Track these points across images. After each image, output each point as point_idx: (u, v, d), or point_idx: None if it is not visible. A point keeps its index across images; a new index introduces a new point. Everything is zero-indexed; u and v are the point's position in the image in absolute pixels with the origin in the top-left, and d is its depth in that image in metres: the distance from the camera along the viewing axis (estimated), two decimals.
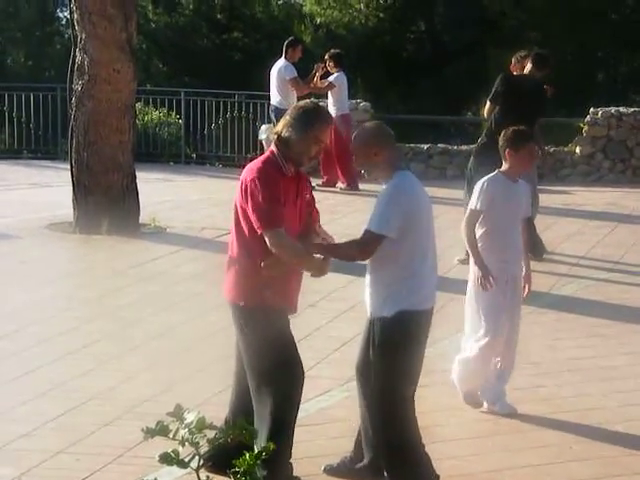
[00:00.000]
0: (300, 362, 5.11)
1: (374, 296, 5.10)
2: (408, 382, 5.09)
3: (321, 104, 15.94)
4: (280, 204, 4.93)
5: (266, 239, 4.91)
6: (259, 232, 4.92)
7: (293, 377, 5.05)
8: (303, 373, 5.12)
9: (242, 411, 5.10)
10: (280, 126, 5.08)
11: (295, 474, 5.14)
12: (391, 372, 5.02)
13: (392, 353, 5.01)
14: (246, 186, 4.97)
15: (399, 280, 5.01)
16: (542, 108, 10.57)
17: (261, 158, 5.10)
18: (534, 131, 10.73)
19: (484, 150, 10.54)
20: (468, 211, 6.47)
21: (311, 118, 5.01)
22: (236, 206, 5.04)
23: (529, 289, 6.55)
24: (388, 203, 5.00)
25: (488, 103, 10.48)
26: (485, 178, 6.48)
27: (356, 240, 5.06)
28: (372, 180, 5.20)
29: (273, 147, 5.08)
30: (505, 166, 6.50)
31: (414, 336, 5.05)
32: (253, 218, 4.93)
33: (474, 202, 6.39)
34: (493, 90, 10.43)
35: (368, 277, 5.14)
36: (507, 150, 6.47)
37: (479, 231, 6.38)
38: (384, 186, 5.06)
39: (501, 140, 6.56)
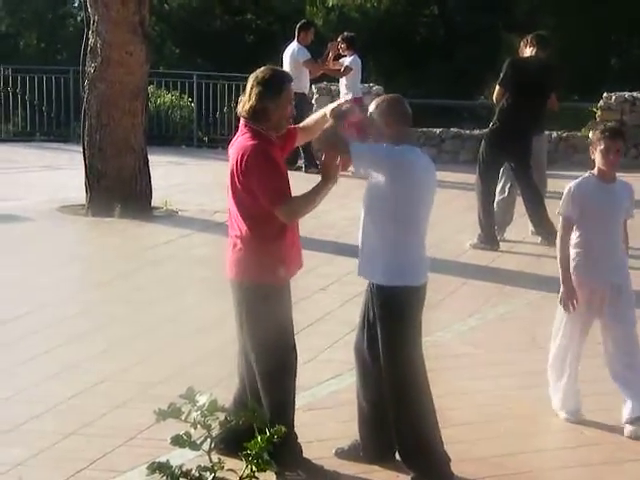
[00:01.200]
0: (294, 345, 5.14)
1: (370, 263, 5.10)
2: (412, 345, 5.07)
3: (333, 87, 15.67)
4: (283, 176, 4.98)
5: (280, 216, 4.93)
6: (272, 208, 4.92)
7: (286, 360, 5.08)
8: (296, 356, 5.14)
9: (245, 392, 5.13)
10: (251, 100, 5.01)
11: (306, 457, 5.15)
12: (392, 349, 5.03)
13: (391, 327, 5.03)
14: (244, 164, 4.93)
15: (393, 252, 5.01)
16: (551, 86, 10.54)
17: (247, 135, 5.02)
18: (547, 109, 10.73)
19: (496, 135, 10.52)
20: (560, 221, 6.00)
21: (279, 82, 5.04)
22: (235, 185, 5.00)
23: None
24: (379, 146, 5.02)
25: (498, 88, 10.44)
26: (573, 182, 5.98)
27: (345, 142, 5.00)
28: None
29: (245, 122, 5.03)
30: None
31: (405, 311, 5.06)
32: (261, 196, 4.93)
33: (562, 209, 5.92)
34: (502, 75, 10.39)
35: (367, 242, 5.13)
36: (590, 149, 5.98)
37: (573, 239, 5.93)
38: None
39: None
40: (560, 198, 6.15)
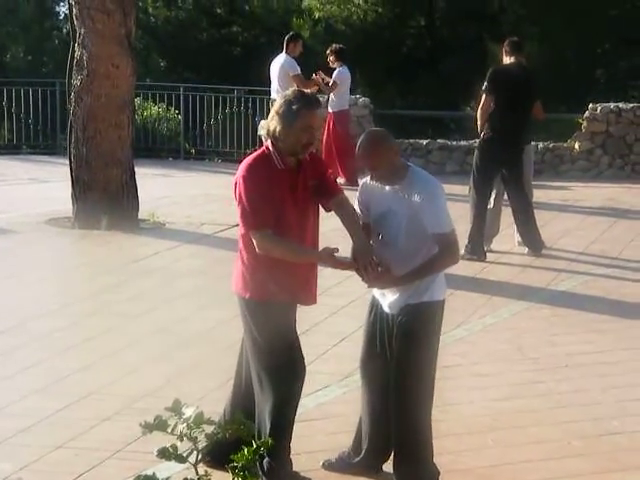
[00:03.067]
0: (302, 359, 5.12)
1: (405, 288, 5.06)
2: (432, 371, 5.11)
3: (320, 99, 15.80)
4: (267, 204, 4.88)
5: (255, 240, 4.91)
6: (243, 230, 4.93)
7: (293, 374, 5.06)
8: (304, 370, 5.13)
9: (240, 405, 5.12)
10: (268, 120, 5.04)
11: (294, 469, 5.15)
12: (420, 362, 5.03)
13: (420, 341, 5.03)
14: (237, 179, 4.98)
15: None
16: (535, 92, 10.60)
17: (254, 154, 5.07)
18: (534, 118, 10.77)
19: (487, 144, 10.53)
20: None
21: (295, 108, 4.93)
22: (235, 198, 5.04)
23: None
24: (441, 199, 5.01)
25: (484, 97, 10.46)
26: None
27: (439, 251, 4.99)
28: (380, 180, 5.14)
29: (268, 142, 5.05)
30: None
31: (438, 324, 5.12)
32: (240, 213, 4.94)
33: None
34: (486, 84, 10.43)
35: (398, 271, 5.05)
36: None
37: None
38: (414, 184, 4.98)
39: None
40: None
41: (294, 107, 4.93)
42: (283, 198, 4.97)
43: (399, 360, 5.05)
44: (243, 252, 5.05)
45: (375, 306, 5.22)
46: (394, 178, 5.02)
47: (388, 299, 5.12)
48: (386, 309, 5.14)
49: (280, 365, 4.99)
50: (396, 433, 5.11)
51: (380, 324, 5.17)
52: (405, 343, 5.04)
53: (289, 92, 5.09)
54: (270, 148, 5.01)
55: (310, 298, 5.18)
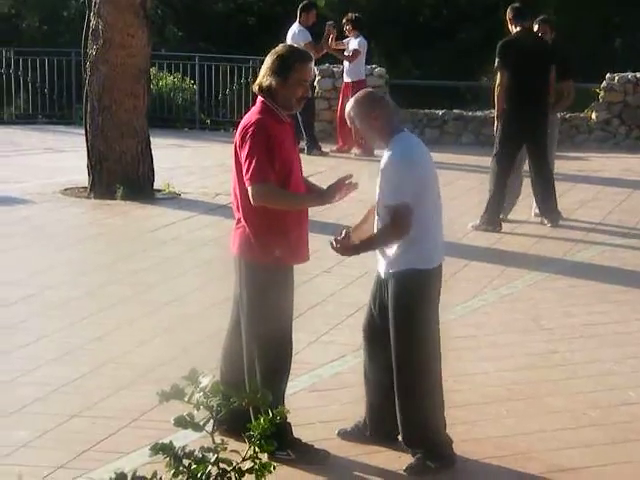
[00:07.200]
0: (291, 327, 5.16)
1: (387, 255, 5.10)
2: (428, 336, 5.09)
3: (335, 69, 15.66)
4: (271, 160, 4.90)
5: (251, 193, 4.89)
6: (247, 183, 4.90)
7: (288, 338, 5.13)
8: (291, 339, 5.16)
9: (234, 372, 5.17)
10: (260, 76, 5.04)
11: (309, 439, 5.17)
12: (407, 329, 5.04)
13: (405, 309, 5.03)
14: (242, 136, 4.94)
15: (412, 239, 5.01)
16: (550, 57, 10.48)
17: (256, 109, 5.04)
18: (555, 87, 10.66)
19: (509, 119, 10.36)
20: None
21: (289, 62, 4.97)
22: (237, 158, 5.00)
23: None
24: (397, 172, 4.97)
25: (499, 73, 10.26)
26: None
27: (387, 223, 5.01)
28: (377, 147, 5.19)
29: (260, 96, 5.04)
30: None
31: (424, 294, 5.08)
32: (244, 166, 4.91)
33: None
34: (498, 60, 10.24)
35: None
36: None
37: None
38: (386, 153, 5.03)
39: None
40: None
41: (288, 61, 4.97)
42: (291, 150, 5.03)
43: (391, 326, 5.07)
44: (250, 215, 5.00)
45: (377, 274, 5.24)
46: (379, 142, 5.09)
47: (379, 266, 5.16)
48: (382, 276, 5.17)
49: (270, 335, 5.02)
50: (398, 401, 5.11)
51: (380, 291, 5.18)
52: (392, 309, 5.06)
53: (279, 48, 5.10)
54: (267, 102, 5.00)
55: (306, 255, 5.21)
